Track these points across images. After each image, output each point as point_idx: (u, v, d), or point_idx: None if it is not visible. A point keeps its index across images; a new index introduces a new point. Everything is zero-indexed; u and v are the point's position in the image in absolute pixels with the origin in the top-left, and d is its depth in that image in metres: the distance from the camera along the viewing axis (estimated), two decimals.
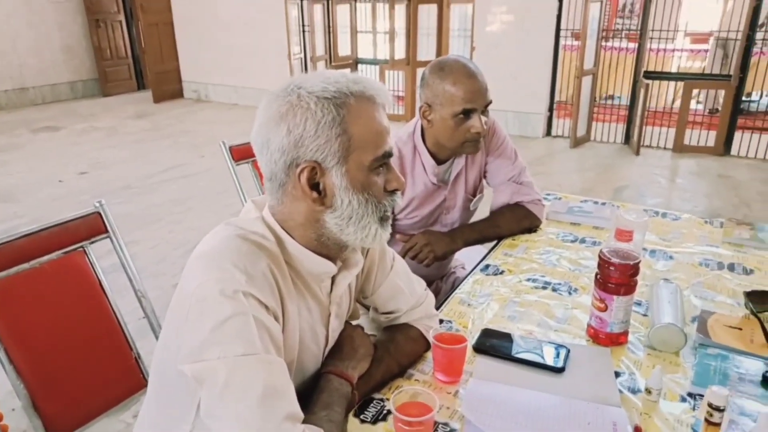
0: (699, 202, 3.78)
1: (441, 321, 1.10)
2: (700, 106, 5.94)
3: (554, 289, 1.26)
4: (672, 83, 5.91)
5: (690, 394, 0.93)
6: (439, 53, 5.59)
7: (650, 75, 5.00)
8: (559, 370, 0.98)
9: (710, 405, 0.85)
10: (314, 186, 0.76)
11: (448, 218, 1.55)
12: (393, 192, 0.81)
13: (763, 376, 0.96)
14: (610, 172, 4.41)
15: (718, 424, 0.83)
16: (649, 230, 1.53)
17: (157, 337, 1.09)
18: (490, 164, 1.54)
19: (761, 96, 5.78)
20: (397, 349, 0.96)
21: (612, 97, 6.11)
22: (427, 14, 5.53)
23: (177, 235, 3.28)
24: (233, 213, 0.99)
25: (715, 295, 1.22)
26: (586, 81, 4.90)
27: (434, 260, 1.43)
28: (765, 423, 0.79)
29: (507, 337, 1.06)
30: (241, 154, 1.66)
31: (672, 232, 1.52)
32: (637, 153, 4.80)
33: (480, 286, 1.27)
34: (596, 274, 1.06)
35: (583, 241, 1.49)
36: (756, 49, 4.76)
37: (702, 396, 0.91)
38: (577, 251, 1.43)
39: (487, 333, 1.08)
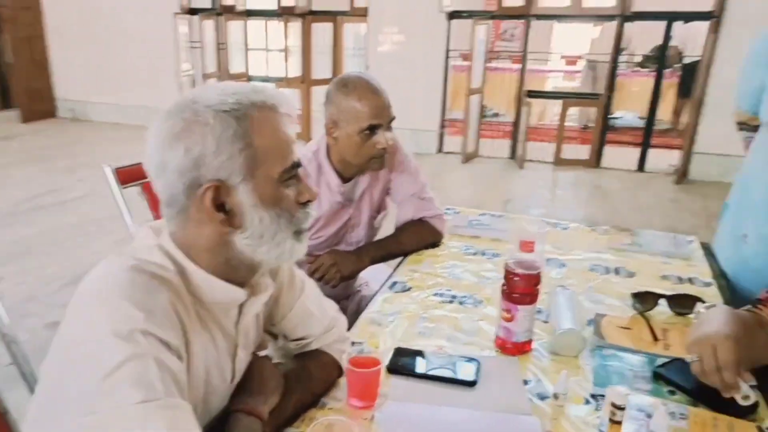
0: (578, 210, 4.08)
1: (352, 343, 1.08)
2: (576, 123, 6.47)
3: (461, 303, 1.28)
4: (551, 101, 6.39)
5: (593, 396, 0.97)
6: (335, 72, 5.62)
7: (532, 94, 5.36)
8: (472, 384, 0.99)
9: (613, 404, 0.90)
10: (220, 207, 0.71)
11: (353, 236, 1.53)
12: (306, 204, 0.78)
13: (653, 371, 1.03)
14: (498, 186, 4.66)
15: (621, 422, 0.88)
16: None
17: (30, 388, 0.97)
18: (394, 180, 1.55)
19: (624, 114, 6.44)
20: (309, 378, 0.92)
21: (497, 115, 6.49)
22: (322, 32, 5.55)
23: (50, 269, 2.97)
24: (117, 241, 0.90)
25: (605, 298, 1.30)
26: (474, 99, 5.16)
27: (341, 280, 1.41)
28: (661, 416, 0.84)
29: (419, 355, 1.06)
30: (129, 176, 1.53)
31: (563, 240, 1.62)
32: (522, 167, 5.10)
33: (389, 305, 1.26)
34: (502, 286, 1.09)
35: (483, 253, 1.53)
36: (620, 71, 5.28)
37: (603, 396, 0.96)
38: (479, 263, 1.47)
39: (399, 352, 1.07)
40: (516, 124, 5.37)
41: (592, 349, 1.10)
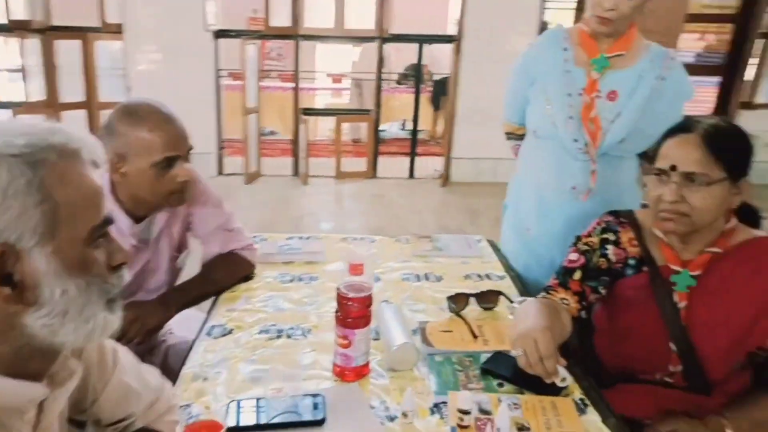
0: (364, 220, 4.28)
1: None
2: (348, 137, 6.81)
3: (289, 336, 1.22)
4: (326, 118, 6.63)
5: (435, 405, 1.00)
6: (88, 94, 4.97)
7: (308, 111, 5.47)
8: (321, 422, 0.94)
9: (459, 410, 0.93)
10: (5, 278, 0.55)
11: (153, 282, 1.35)
12: (119, 267, 0.64)
13: (481, 368, 1.11)
14: (287, 204, 4.64)
15: (468, 426, 0.92)
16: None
17: None
18: (194, 214, 1.41)
19: (389, 126, 7.00)
20: None
21: (273, 133, 6.48)
22: (67, 50, 4.86)
23: None
24: None
25: (423, 305, 1.36)
26: (252, 119, 5.06)
27: (147, 335, 1.22)
28: (504, 412, 0.90)
29: (259, 404, 0.97)
30: None
31: (373, 254, 1.66)
32: (306, 183, 5.17)
33: (211, 354, 1.14)
34: (336, 312, 1.06)
35: (300, 278, 1.49)
36: (383, 87, 5.71)
37: (445, 404, 1.00)
38: (297, 290, 1.42)
39: (236, 407, 0.96)
40: (295, 141, 5.42)
41: (424, 359, 1.14)
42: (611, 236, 1.25)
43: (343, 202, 4.79)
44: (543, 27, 5.14)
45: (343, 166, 5.40)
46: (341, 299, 1.04)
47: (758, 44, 5.27)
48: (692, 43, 6.55)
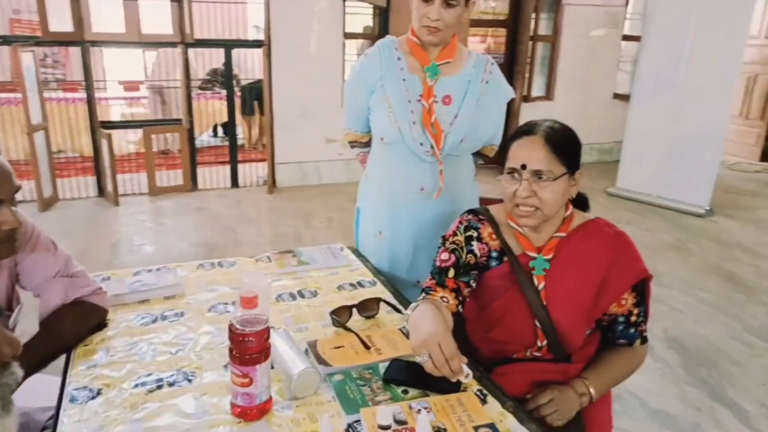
0: (192, 237, 4.01)
1: None
2: (156, 149, 6.28)
3: (171, 384, 1.09)
4: (130, 130, 6.03)
5: (350, 426, 0.99)
6: None
7: (107, 125, 4.92)
8: None
9: (380, 426, 0.94)
10: None
11: None
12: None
13: (383, 378, 1.12)
14: (99, 229, 4.14)
15: None
16: (218, 284, 1.54)
17: None
18: (22, 263, 1.19)
19: (203, 135, 6.64)
20: None
21: (60, 151, 5.71)
22: None
23: None
24: None
25: (306, 324, 1.33)
26: (39, 136, 4.39)
27: None
28: (424, 419, 0.93)
29: None
30: None
31: (234, 280, 1.57)
32: (117, 203, 4.67)
33: (84, 424, 0.98)
34: (231, 350, 0.98)
35: (164, 317, 1.34)
36: (195, 95, 5.39)
37: (359, 422, 0.99)
38: (163, 330, 1.28)
39: None
40: (96, 158, 4.85)
41: (323, 380, 1.12)
42: (474, 233, 1.36)
43: (164, 220, 4.42)
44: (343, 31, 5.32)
45: (158, 180, 4.99)
46: (236, 336, 0.97)
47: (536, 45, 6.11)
48: (476, 45, 7.36)
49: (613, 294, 1.28)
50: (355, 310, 1.34)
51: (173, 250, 3.74)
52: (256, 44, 5.40)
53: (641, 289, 1.30)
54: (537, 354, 1.33)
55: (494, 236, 1.35)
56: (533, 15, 5.80)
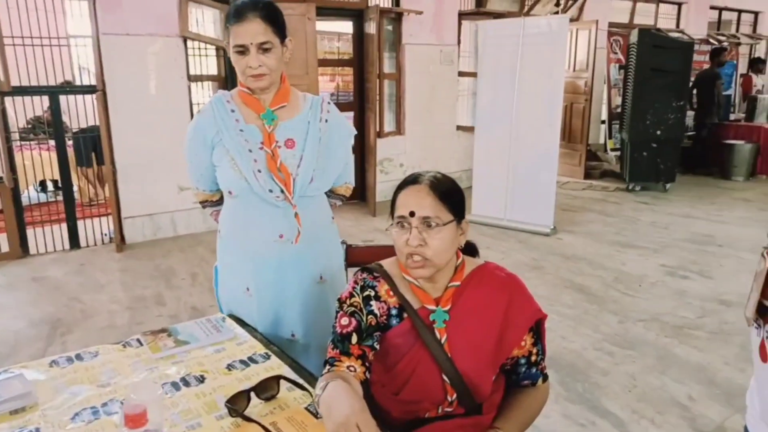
0: (31, 315, 3.46)
1: None
2: None
3: None
4: None
5: None
6: None
7: None
8: None
9: None
10: None
11: None
12: None
13: None
14: None
15: None
16: (79, 383, 1.30)
17: None
18: None
19: (29, 191, 5.84)
20: None
21: None
22: None
23: None
24: None
25: (199, 420, 1.16)
26: None
27: None
28: None
29: None
30: None
31: (101, 374, 1.34)
32: None
33: None
34: None
35: None
36: (16, 146, 4.74)
37: None
38: None
39: None
40: None
41: None
42: (371, 292, 1.30)
43: None
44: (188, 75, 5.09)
45: None
46: None
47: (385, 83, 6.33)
48: (326, 84, 7.46)
49: (513, 338, 1.29)
50: (253, 394, 1.21)
51: (8, 334, 3.19)
52: (89, 90, 4.93)
53: (537, 329, 1.34)
54: (448, 409, 1.29)
55: (391, 293, 1.31)
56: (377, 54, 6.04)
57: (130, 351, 1.45)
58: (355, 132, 1.76)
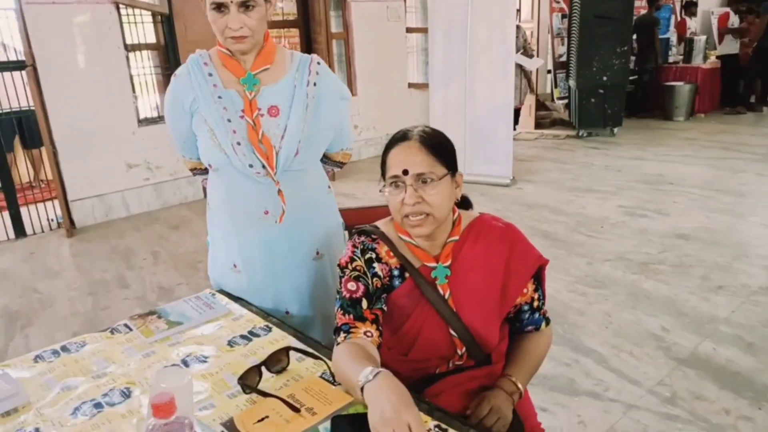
0: None
1: None
2: None
3: None
4: None
5: None
6: None
7: None
8: None
9: None
10: None
11: None
12: None
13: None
14: None
15: None
16: (73, 376, 1.22)
17: None
18: None
19: None
20: None
21: None
22: None
23: None
24: None
25: (212, 401, 1.11)
26: None
27: None
28: None
29: None
30: None
31: (94, 364, 1.26)
32: None
33: None
34: None
35: None
36: None
37: None
38: None
39: None
40: None
41: None
42: (372, 254, 1.27)
43: None
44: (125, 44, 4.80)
45: None
46: None
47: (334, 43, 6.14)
48: None
49: (517, 286, 1.29)
50: (263, 368, 1.17)
51: None
52: (17, 66, 4.55)
53: (538, 275, 1.35)
54: (459, 363, 1.29)
55: (391, 254, 1.28)
56: (324, 13, 5.84)
57: (119, 337, 1.37)
58: (350, 95, 1.58)
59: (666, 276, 3.15)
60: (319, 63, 1.49)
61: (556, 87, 7.97)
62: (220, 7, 1.31)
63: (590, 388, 2.23)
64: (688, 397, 2.14)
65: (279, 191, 1.44)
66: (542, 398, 2.16)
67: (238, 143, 1.38)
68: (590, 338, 2.57)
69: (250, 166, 1.39)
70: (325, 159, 1.62)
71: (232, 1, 1.30)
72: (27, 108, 4.57)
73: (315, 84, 1.46)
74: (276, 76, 1.44)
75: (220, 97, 1.40)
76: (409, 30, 7.00)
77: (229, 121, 1.39)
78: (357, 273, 1.24)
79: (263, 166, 1.40)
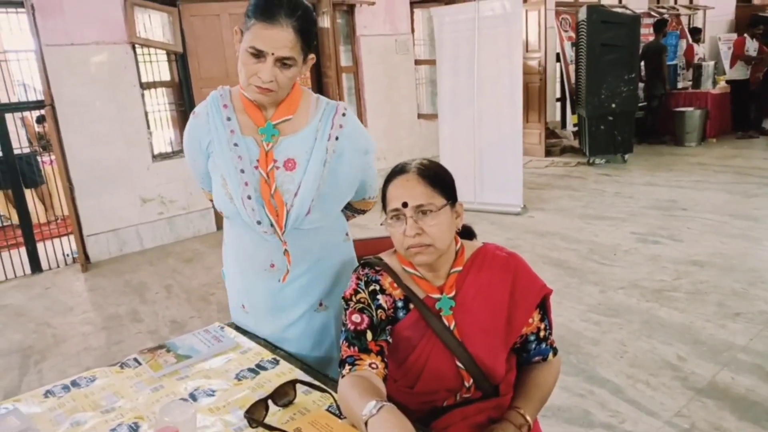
0: (2, 345, 3.30)
1: None
2: None
3: None
4: None
5: None
6: None
7: None
8: None
9: None
10: None
11: None
12: None
13: None
14: None
15: None
16: (82, 411, 1.23)
17: None
18: None
19: None
20: None
21: None
22: None
23: None
24: None
25: None
26: None
27: None
28: None
29: None
30: None
31: (104, 399, 1.27)
32: None
33: None
34: None
35: None
36: None
37: None
38: None
39: None
40: None
41: None
42: (376, 286, 1.27)
43: None
44: (141, 83, 4.93)
45: None
46: None
47: None
48: None
49: (522, 316, 1.29)
50: (270, 402, 1.17)
51: None
52: (36, 105, 4.70)
53: (543, 304, 1.34)
54: (466, 395, 1.28)
55: (395, 285, 1.28)
56: (334, 47, 5.97)
57: (129, 372, 1.39)
58: (375, 148, 1.49)
59: (681, 303, 3.10)
60: (344, 114, 1.39)
61: (573, 113, 7.95)
62: (258, 55, 1.24)
63: (606, 420, 2.18)
64: (707, 428, 2.09)
65: (285, 251, 1.39)
66: (556, 430, 2.12)
67: (249, 197, 1.33)
68: (605, 368, 2.53)
69: (258, 222, 1.34)
70: (347, 205, 1.55)
71: (273, 54, 1.23)
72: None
73: (337, 138, 1.37)
74: (297, 125, 1.37)
75: (236, 145, 1.34)
76: (417, 62, 7.12)
77: (242, 171, 1.33)
78: (361, 305, 1.24)
79: (271, 224, 1.35)
